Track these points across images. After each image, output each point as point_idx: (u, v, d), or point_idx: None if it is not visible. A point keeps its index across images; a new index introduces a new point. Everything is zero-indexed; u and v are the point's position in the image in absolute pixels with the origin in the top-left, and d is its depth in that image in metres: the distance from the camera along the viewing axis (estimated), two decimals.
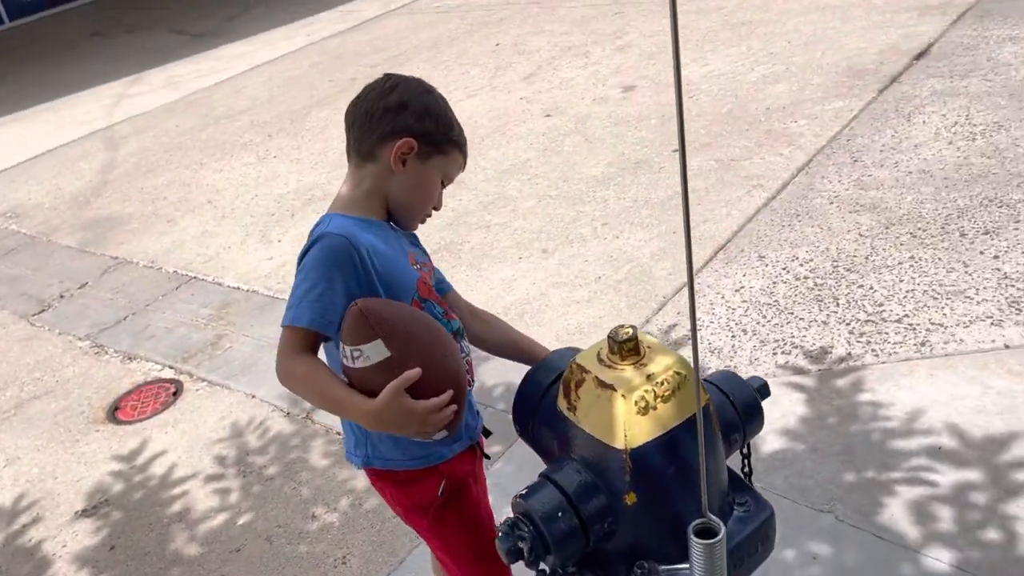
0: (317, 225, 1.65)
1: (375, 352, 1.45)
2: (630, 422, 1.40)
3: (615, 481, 1.43)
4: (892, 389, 2.73)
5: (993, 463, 2.41)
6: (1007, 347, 2.80)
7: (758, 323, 3.18)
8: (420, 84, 1.65)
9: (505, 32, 7.46)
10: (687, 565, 1.49)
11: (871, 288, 3.23)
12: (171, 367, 3.81)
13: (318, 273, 1.54)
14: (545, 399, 1.65)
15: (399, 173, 1.61)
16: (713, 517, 1.44)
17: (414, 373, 1.45)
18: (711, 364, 3.01)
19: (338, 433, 3.17)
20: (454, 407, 1.51)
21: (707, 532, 1.41)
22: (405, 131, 1.59)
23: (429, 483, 1.75)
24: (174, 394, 3.63)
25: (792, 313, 3.19)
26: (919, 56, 5.00)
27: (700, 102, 5.13)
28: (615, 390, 1.40)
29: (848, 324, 3.07)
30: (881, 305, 3.12)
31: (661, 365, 1.43)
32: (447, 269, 4.00)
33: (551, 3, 7.94)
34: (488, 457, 1.95)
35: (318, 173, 5.57)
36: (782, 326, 3.13)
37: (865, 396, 2.73)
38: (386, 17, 9.08)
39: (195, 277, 4.57)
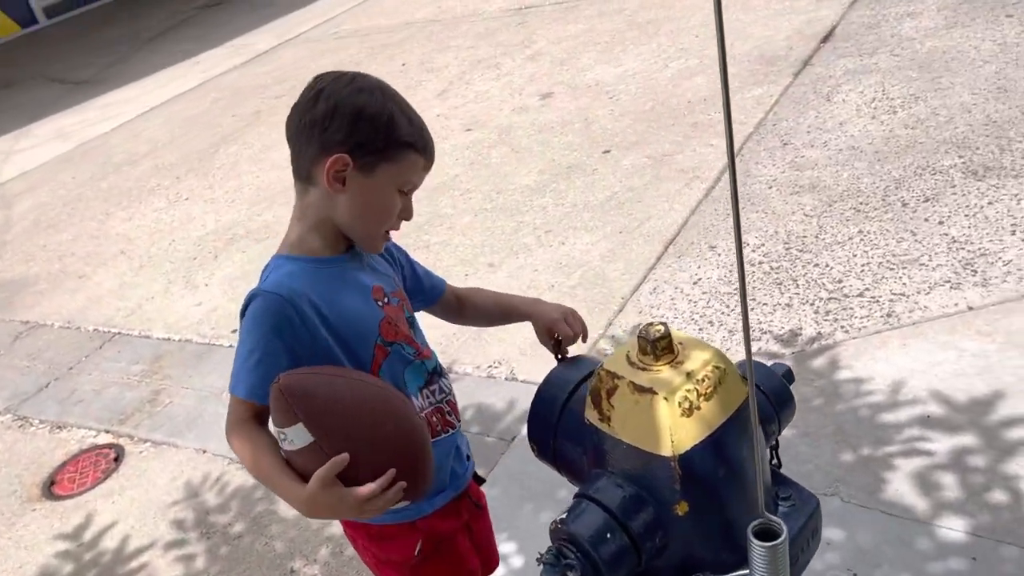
0: (263, 270, 1.49)
1: (298, 437, 1.30)
2: (676, 426, 1.30)
3: (663, 491, 1.33)
4: (869, 363, 2.72)
5: (983, 424, 2.41)
6: (971, 308, 2.83)
7: (723, 313, 3.14)
8: (352, 82, 1.40)
9: (409, 52, 7.34)
10: (745, 571, 1.40)
11: (827, 266, 3.23)
12: (107, 431, 3.53)
13: (253, 339, 1.39)
14: (565, 414, 1.54)
15: (339, 194, 1.39)
16: (772, 517, 1.36)
17: (340, 460, 1.27)
18: None
19: None
20: (401, 485, 1.32)
21: (766, 534, 1.33)
22: (336, 146, 1.36)
23: (406, 540, 1.59)
24: (115, 460, 3.36)
25: (754, 299, 3.17)
26: (825, 39, 5.12)
27: (621, 102, 5.12)
28: (656, 393, 1.30)
29: (812, 304, 3.06)
30: (840, 281, 3.13)
31: (698, 361, 1.33)
32: None
33: (451, 20, 7.87)
34: (479, 507, 1.74)
35: (236, 211, 5.32)
36: (750, 312, 3.09)
37: (844, 374, 2.71)
38: (282, 48, 8.85)
39: (119, 333, 4.28)
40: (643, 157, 4.41)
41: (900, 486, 2.29)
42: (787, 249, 3.39)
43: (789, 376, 1.60)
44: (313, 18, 9.57)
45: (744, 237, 3.53)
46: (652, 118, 4.81)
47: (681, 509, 1.33)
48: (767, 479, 1.46)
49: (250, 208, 5.29)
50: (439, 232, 4.32)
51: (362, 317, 1.46)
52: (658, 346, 1.33)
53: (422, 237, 4.31)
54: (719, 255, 3.47)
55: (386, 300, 1.51)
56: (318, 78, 1.43)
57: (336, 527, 2.70)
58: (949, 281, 2.97)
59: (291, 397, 1.32)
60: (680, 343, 1.37)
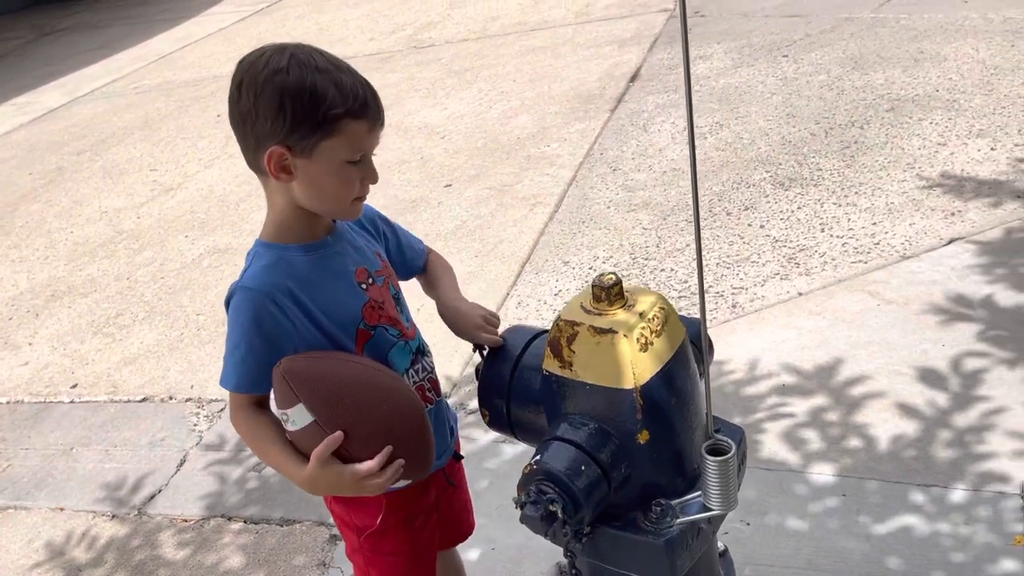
0: (247, 255, 1.51)
1: (299, 417, 1.37)
2: (636, 360, 1.44)
3: (627, 423, 1.46)
4: (724, 348, 3.02)
5: (830, 386, 2.74)
6: (800, 294, 3.21)
7: None
8: (267, 64, 1.32)
9: (222, 104, 7.16)
10: (697, 494, 1.56)
11: (672, 270, 3.54)
12: None
13: (238, 334, 1.42)
14: (516, 376, 1.64)
15: (289, 183, 1.39)
16: (721, 437, 1.53)
17: (335, 438, 1.34)
18: None
19: (185, 520, 2.85)
20: (400, 463, 1.39)
21: (716, 451, 1.50)
22: (268, 138, 1.34)
23: (370, 507, 1.64)
24: None
25: None
26: (633, 79, 5.60)
27: (454, 141, 5.32)
28: (615, 332, 1.43)
29: None
30: (686, 282, 3.44)
31: (647, 303, 1.49)
32: None
33: None
34: (452, 484, 1.78)
35: (53, 267, 4.98)
36: None
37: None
38: (75, 104, 8.37)
39: None
40: (484, 188, 4.61)
41: (772, 445, 2.56)
42: (633, 259, 3.68)
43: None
44: (107, 74, 9.14)
45: (593, 251, 3.80)
46: (486, 153, 5.04)
47: (643, 438, 1.46)
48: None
49: (69, 263, 4.97)
50: None
51: (344, 304, 1.48)
52: (612, 292, 1.47)
53: None
54: (574, 268, 3.70)
55: (371, 281, 1.53)
56: (238, 65, 1.38)
57: (235, 559, 2.61)
58: (778, 274, 3.35)
59: (292, 380, 1.36)
60: (627, 290, 1.52)
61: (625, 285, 1.52)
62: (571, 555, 1.56)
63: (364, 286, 1.53)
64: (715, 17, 6.42)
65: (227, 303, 1.46)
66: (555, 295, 3.55)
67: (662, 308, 1.50)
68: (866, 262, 3.31)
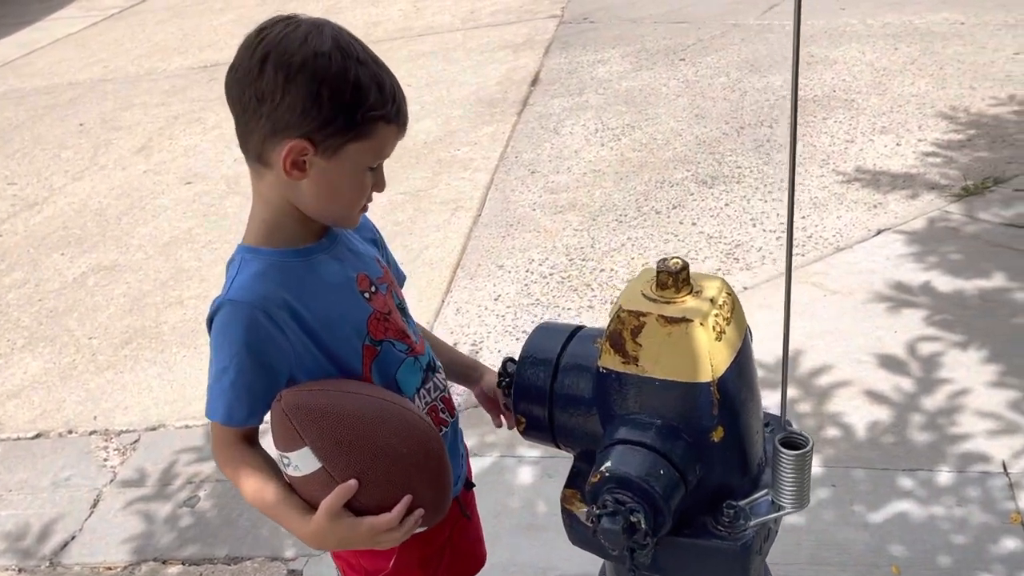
0: (229, 264, 1.29)
1: (304, 462, 1.18)
2: (713, 350, 1.32)
3: (702, 420, 1.34)
4: None
5: (796, 377, 2.73)
6: (746, 289, 3.21)
7: (534, 322, 3.22)
8: (307, 40, 1.15)
9: (85, 111, 6.63)
10: (762, 492, 1.46)
11: (612, 270, 3.47)
12: None
13: (224, 356, 1.22)
14: (559, 380, 1.48)
15: (298, 180, 1.20)
16: (794, 428, 1.44)
17: (349, 488, 1.16)
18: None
19: (108, 567, 2.51)
20: (419, 513, 1.21)
21: (791, 444, 1.40)
22: (291, 127, 1.15)
23: (380, 551, 1.46)
24: None
25: (559, 306, 3.30)
26: (533, 83, 5.54)
27: None
28: (690, 321, 1.31)
29: (612, 302, 3.25)
30: (628, 281, 3.37)
31: (714, 288, 1.38)
32: (152, 358, 3.43)
33: (125, 79, 7.25)
34: (469, 518, 1.59)
35: None
36: (557, 319, 3.21)
37: None
38: None
39: None
40: (398, 194, 4.40)
41: None
42: (570, 260, 3.59)
43: None
44: None
45: (527, 254, 3.67)
46: (394, 159, 4.75)
47: (717, 435, 1.35)
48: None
49: None
50: (190, 286, 3.93)
51: (346, 317, 1.29)
52: (679, 278, 1.35)
53: (170, 294, 3.88)
54: (509, 272, 3.57)
55: (373, 290, 1.34)
56: (260, 32, 1.17)
57: None
58: (719, 269, 3.34)
59: (296, 418, 1.17)
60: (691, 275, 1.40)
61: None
62: (634, 570, 1.42)
63: (367, 295, 1.34)
64: (605, 23, 6.46)
65: (209, 322, 1.25)
66: (495, 300, 3.40)
67: (728, 293, 1.40)
68: (803, 255, 3.35)
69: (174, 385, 3.28)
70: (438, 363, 1.47)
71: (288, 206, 1.25)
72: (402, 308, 1.42)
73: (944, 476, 2.28)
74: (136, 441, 3.00)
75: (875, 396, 2.59)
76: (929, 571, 2.04)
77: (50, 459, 3.01)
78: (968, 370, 2.63)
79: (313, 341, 1.25)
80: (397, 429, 1.22)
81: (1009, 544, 2.06)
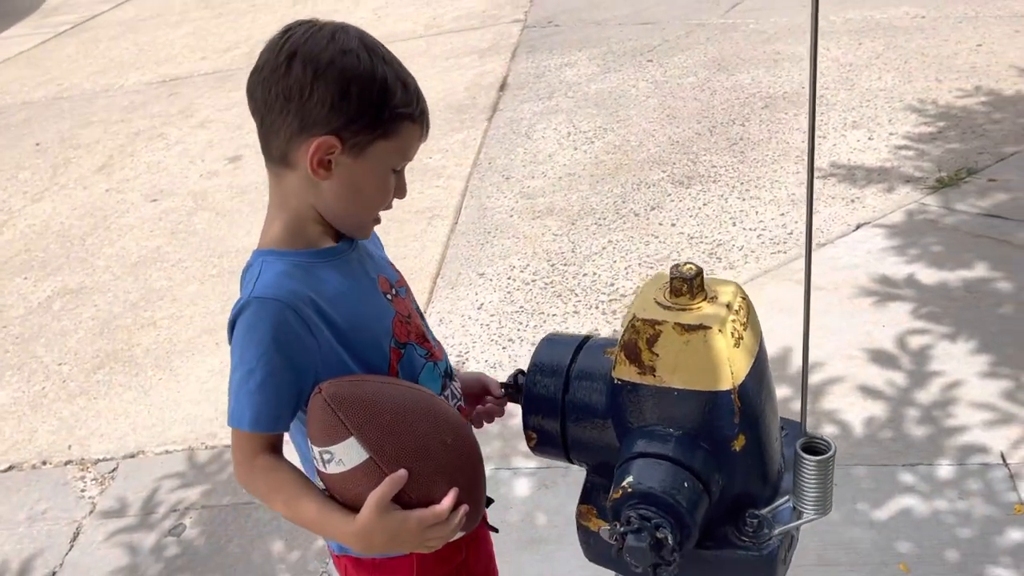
0: (246, 272, 1.25)
1: (349, 455, 1.13)
2: (732, 357, 1.29)
3: (722, 429, 1.30)
4: None
5: (788, 376, 2.71)
6: None
7: (519, 330, 3.18)
8: (333, 39, 1.16)
9: (41, 131, 6.46)
10: (782, 500, 1.43)
11: (595, 274, 3.44)
12: None
13: (253, 355, 1.16)
14: (570, 394, 1.44)
15: (323, 180, 1.19)
16: (816, 433, 1.41)
17: (399, 477, 1.12)
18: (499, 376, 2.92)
19: None
20: (464, 508, 1.18)
21: (813, 450, 1.37)
22: (319, 125, 1.15)
23: (400, 571, 1.39)
24: None
25: (543, 313, 3.25)
26: (502, 88, 5.50)
27: None
28: (708, 328, 1.27)
29: (597, 307, 3.23)
30: (612, 284, 3.34)
31: (729, 293, 1.34)
32: (126, 382, 3.32)
33: (82, 97, 7.09)
34: (496, 530, 1.55)
35: None
36: (542, 325, 3.17)
37: None
38: None
39: None
40: None
41: None
42: (552, 266, 3.55)
43: None
44: None
45: (508, 261, 3.63)
46: None
47: (739, 444, 1.31)
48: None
49: None
50: (162, 306, 3.82)
51: (373, 317, 1.26)
52: (694, 283, 1.32)
53: (142, 315, 3.77)
54: (491, 280, 3.52)
55: (394, 292, 1.32)
56: (285, 33, 1.18)
57: None
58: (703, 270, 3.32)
59: (340, 408, 1.12)
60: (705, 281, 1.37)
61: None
62: None
63: (389, 297, 1.32)
64: (570, 26, 6.44)
65: (232, 323, 1.19)
66: (478, 308, 3.35)
67: (743, 297, 1.36)
68: (785, 252, 3.35)
69: (151, 410, 3.18)
70: (454, 371, 1.44)
71: (309, 209, 1.23)
72: (420, 313, 1.40)
73: (944, 469, 2.27)
74: (115, 470, 2.89)
75: (869, 391, 2.59)
76: (938, 567, 2.03)
77: (24, 492, 2.89)
78: (959, 362, 2.63)
79: (341, 342, 1.21)
80: (440, 420, 1.20)
81: (1015, 536, 2.06)
